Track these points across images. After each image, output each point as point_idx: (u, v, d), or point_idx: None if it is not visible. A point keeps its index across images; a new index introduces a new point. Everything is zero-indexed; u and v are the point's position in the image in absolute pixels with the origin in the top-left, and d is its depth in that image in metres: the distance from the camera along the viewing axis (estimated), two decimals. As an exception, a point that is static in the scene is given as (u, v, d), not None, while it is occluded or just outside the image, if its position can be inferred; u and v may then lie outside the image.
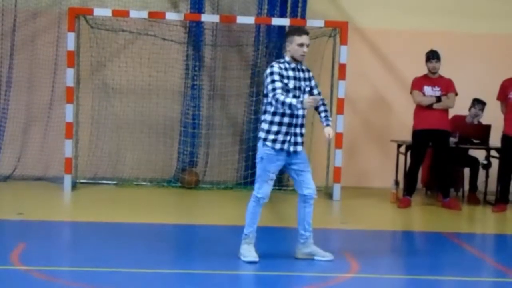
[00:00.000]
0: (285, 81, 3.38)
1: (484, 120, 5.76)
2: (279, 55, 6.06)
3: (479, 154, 5.81)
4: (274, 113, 3.41)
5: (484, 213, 5.34)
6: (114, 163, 6.16)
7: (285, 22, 5.84)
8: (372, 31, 6.34)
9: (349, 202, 5.56)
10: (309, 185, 3.50)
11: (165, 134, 6.24)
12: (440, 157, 5.31)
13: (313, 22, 5.76)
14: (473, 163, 5.76)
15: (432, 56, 5.28)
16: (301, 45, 3.39)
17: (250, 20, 5.74)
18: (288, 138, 3.41)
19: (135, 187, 5.91)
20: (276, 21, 5.80)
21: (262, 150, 3.43)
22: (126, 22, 5.97)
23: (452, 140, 5.44)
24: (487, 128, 5.61)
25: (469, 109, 5.76)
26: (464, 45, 6.35)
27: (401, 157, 5.80)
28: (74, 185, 5.63)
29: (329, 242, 4.20)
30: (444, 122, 5.29)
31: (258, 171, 3.46)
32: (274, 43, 6.12)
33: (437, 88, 5.31)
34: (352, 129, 6.24)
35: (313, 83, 3.50)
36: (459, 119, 5.75)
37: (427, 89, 5.30)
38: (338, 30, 5.74)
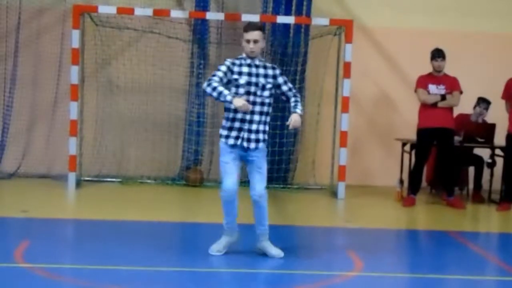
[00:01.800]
0: (235, 76, 3.36)
1: (489, 119, 5.73)
2: (284, 53, 6.06)
3: (483, 153, 5.78)
4: (227, 109, 3.42)
5: (489, 212, 5.31)
6: (118, 161, 6.17)
7: (290, 20, 5.82)
8: (377, 29, 6.32)
9: (354, 201, 5.54)
10: (254, 185, 3.42)
11: (170, 132, 6.24)
12: (444, 155, 5.29)
13: (318, 20, 5.74)
14: (478, 162, 5.74)
15: (437, 54, 5.26)
16: (248, 41, 3.37)
17: (255, 18, 5.71)
18: (241, 134, 3.39)
19: (140, 185, 5.91)
20: (281, 19, 5.79)
21: (219, 145, 3.47)
22: (131, 19, 5.97)
23: (457, 139, 5.42)
24: (492, 127, 5.58)
25: (474, 108, 5.73)
26: (469, 43, 6.31)
27: (406, 156, 5.77)
28: (78, 183, 5.64)
29: (334, 240, 4.19)
30: (448, 121, 5.27)
31: (219, 165, 3.50)
32: (279, 41, 6.11)
33: (441, 87, 5.28)
34: (357, 127, 6.21)
35: (280, 80, 3.45)
36: (463, 117, 5.72)
37: (432, 88, 5.28)
38: (343, 29, 5.72)
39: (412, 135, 5.61)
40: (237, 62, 3.42)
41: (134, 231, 4.08)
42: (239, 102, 3.29)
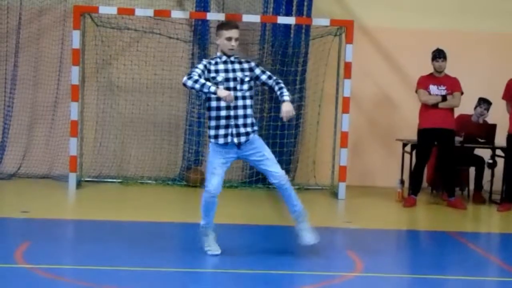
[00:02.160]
0: (213, 74, 3.37)
1: (490, 119, 5.73)
2: (284, 54, 6.06)
3: (484, 153, 5.77)
4: (209, 108, 3.42)
5: (490, 212, 5.31)
6: (119, 162, 6.17)
7: (290, 20, 5.82)
8: (377, 29, 6.31)
9: (354, 201, 5.54)
10: (272, 172, 3.39)
11: (170, 132, 6.24)
12: (445, 156, 5.28)
13: (319, 21, 5.74)
14: (478, 162, 5.73)
15: (438, 55, 5.25)
16: (229, 39, 3.37)
17: (255, 18, 5.73)
18: (230, 131, 3.38)
19: (140, 185, 5.91)
20: (282, 20, 5.79)
21: (210, 146, 3.46)
22: (131, 20, 5.98)
23: (458, 139, 5.41)
24: (493, 127, 5.57)
25: (475, 108, 5.73)
26: (470, 44, 6.31)
27: (406, 156, 5.77)
28: (79, 183, 5.64)
29: (334, 241, 4.18)
30: (449, 121, 5.27)
31: (207, 164, 3.49)
32: (279, 41, 6.11)
33: (442, 87, 5.27)
34: (357, 128, 6.21)
35: (257, 71, 3.45)
36: (464, 118, 5.72)
37: (433, 88, 5.27)
38: (344, 29, 5.72)
39: (413, 136, 5.60)
40: (213, 61, 3.44)
41: (135, 232, 4.08)
42: (223, 92, 3.27)
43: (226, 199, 5.41)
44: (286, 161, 6.09)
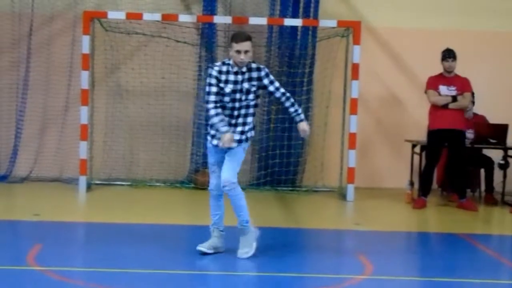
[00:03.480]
0: (221, 85, 3.43)
1: (501, 119, 5.65)
2: (291, 56, 6.06)
3: (496, 154, 5.70)
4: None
5: (502, 214, 5.25)
6: (128, 164, 6.21)
7: (297, 22, 5.82)
8: (385, 30, 6.28)
9: (363, 203, 5.51)
10: (221, 174, 3.47)
11: (178, 135, 6.27)
12: (456, 157, 5.23)
13: (326, 22, 5.73)
14: (488, 163, 5.66)
15: (448, 55, 5.21)
16: (238, 52, 3.40)
17: (262, 21, 5.74)
18: None
19: (149, 188, 5.95)
20: (289, 22, 5.79)
21: (207, 144, 3.60)
22: (139, 24, 6.03)
23: (469, 136, 5.32)
24: (504, 127, 5.50)
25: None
26: (478, 43, 6.24)
27: (416, 157, 5.72)
28: (89, 186, 5.70)
29: (343, 243, 4.17)
30: (459, 122, 5.21)
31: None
32: (286, 43, 6.11)
33: (452, 88, 5.23)
34: (366, 129, 6.18)
35: (266, 81, 3.47)
36: (477, 119, 5.65)
37: (443, 89, 5.23)
38: (351, 30, 5.70)
39: (422, 137, 5.56)
40: (224, 69, 3.46)
41: (144, 234, 4.10)
42: (224, 141, 3.38)
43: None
44: (294, 163, 6.08)
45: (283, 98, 3.52)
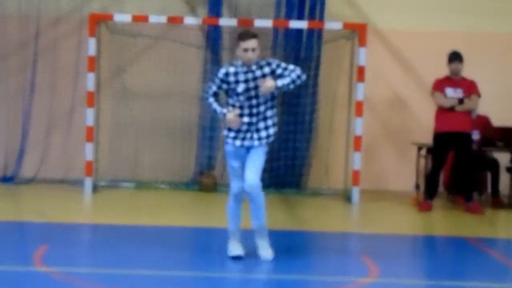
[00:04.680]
0: (233, 86, 3.43)
1: (505, 120, 5.61)
2: (297, 58, 6.05)
3: (503, 157, 5.66)
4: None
5: (508, 218, 5.21)
6: (133, 166, 6.23)
7: (303, 25, 5.82)
8: (391, 32, 6.26)
9: (368, 206, 5.49)
10: (245, 177, 3.44)
11: (183, 137, 6.28)
12: (462, 160, 5.20)
13: (332, 25, 5.73)
14: (493, 166, 5.62)
15: (455, 57, 5.18)
16: (246, 50, 3.39)
17: (268, 23, 5.74)
18: (248, 135, 3.45)
19: (154, 190, 5.96)
20: (294, 24, 5.79)
21: (225, 147, 3.54)
22: (145, 27, 6.04)
23: (473, 137, 5.28)
24: (511, 130, 5.46)
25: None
26: (485, 45, 6.20)
27: (422, 160, 5.69)
28: (95, 188, 5.72)
29: (348, 246, 4.15)
30: (466, 125, 5.18)
31: (227, 168, 3.57)
32: (291, 46, 6.11)
33: (459, 90, 5.20)
34: (371, 131, 6.16)
35: (279, 71, 3.43)
36: (481, 119, 5.62)
37: (449, 91, 5.20)
38: (357, 32, 5.69)
39: (428, 139, 5.53)
40: (232, 70, 3.45)
41: (149, 236, 4.11)
42: (229, 119, 3.38)
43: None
44: (299, 165, 6.06)
45: (288, 72, 3.43)
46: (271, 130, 3.49)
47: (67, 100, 6.24)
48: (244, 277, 3.34)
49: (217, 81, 3.46)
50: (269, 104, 3.46)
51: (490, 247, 4.18)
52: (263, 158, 3.49)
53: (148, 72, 6.19)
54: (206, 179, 6.00)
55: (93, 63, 5.66)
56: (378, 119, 6.35)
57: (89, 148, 5.68)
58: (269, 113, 3.46)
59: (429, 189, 5.32)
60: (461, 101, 5.17)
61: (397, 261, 3.70)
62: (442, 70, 5.31)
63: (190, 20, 5.81)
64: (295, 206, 5.32)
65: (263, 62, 3.48)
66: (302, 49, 6.07)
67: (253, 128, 3.43)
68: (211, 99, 3.47)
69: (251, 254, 3.57)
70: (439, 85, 5.25)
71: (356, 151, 5.62)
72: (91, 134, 5.69)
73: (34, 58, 6.15)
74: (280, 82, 3.41)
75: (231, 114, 3.38)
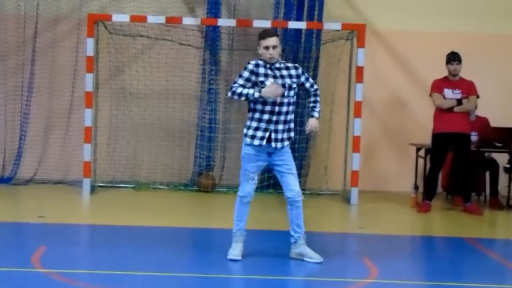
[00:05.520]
0: (261, 78, 3.42)
1: (504, 121, 5.62)
2: (295, 58, 6.05)
3: (501, 158, 5.66)
4: (254, 110, 3.46)
5: (507, 218, 5.22)
6: (131, 167, 6.22)
7: (301, 25, 5.82)
8: (389, 33, 6.27)
9: (367, 207, 5.49)
10: (291, 187, 3.48)
11: (182, 138, 6.27)
12: (461, 161, 5.21)
13: (330, 25, 5.74)
14: (492, 166, 5.63)
15: (453, 58, 5.19)
16: (267, 48, 3.42)
17: (266, 24, 5.74)
18: (267, 134, 3.42)
19: (152, 190, 5.95)
20: (293, 25, 5.79)
21: (243, 148, 3.49)
22: (143, 27, 6.04)
23: (472, 138, 5.28)
24: (510, 131, 5.48)
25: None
26: (483, 46, 6.22)
27: (420, 161, 5.70)
28: (93, 189, 5.70)
29: (347, 247, 4.15)
30: (465, 125, 5.19)
31: (241, 169, 3.53)
32: (290, 46, 6.11)
33: (457, 91, 5.21)
34: (370, 132, 6.17)
35: (302, 78, 3.52)
36: (480, 120, 5.63)
37: (447, 92, 5.21)
38: (355, 33, 5.70)
39: (426, 140, 5.54)
40: (261, 63, 3.47)
41: (148, 236, 4.10)
42: (268, 90, 3.32)
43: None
44: (298, 166, 6.02)
45: (312, 92, 3.55)
46: (289, 134, 3.48)
47: (66, 100, 6.22)
48: (242, 278, 3.34)
49: (246, 73, 3.42)
50: (290, 108, 3.47)
51: (488, 247, 4.18)
52: (293, 162, 3.51)
53: (146, 72, 6.18)
54: (204, 180, 6.00)
55: (91, 64, 5.65)
56: (377, 119, 6.35)
57: (87, 148, 5.66)
58: (289, 116, 3.47)
59: (427, 190, 5.32)
60: (459, 102, 5.18)
61: (397, 261, 3.69)
62: (441, 70, 5.32)
63: (188, 21, 5.81)
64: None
65: (290, 64, 3.55)
66: (300, 49, 6.08)
67: (271, 127, 3.41)
68: (240, 89, 3.38)
69: (248, 255, 3.56)
70: (438, 86, 5.26)
71: (355, 151, 5.63)
72: (89, 135, 5.68)
73: (32, 58, 6.13)
74: (316, 114, 3.56)
75: (265, 90, 3.30)
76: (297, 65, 3.58)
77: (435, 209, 5.34)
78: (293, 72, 3.50)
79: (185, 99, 6.24)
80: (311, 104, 3.56)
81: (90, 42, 5.60)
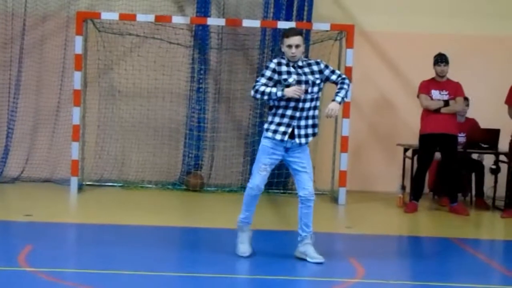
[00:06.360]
0: (284, 76, 3.43)
1: (492, 123, 5.71)
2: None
3: (487, 159, 5.75)
4: (277, 106, 3.47)
5: (493, 219, 5.28)
6: (119, 166, 6.18)
7: (291, 25, 5.81)
8: (378, 34, 6.32)
9: (355, 206, 5.53)
10: (304, 185, 3.49)
11: (171, 137, 6.25)
12: (447, 161, 5.27)
13: (319, 26, 5.76)
14: (478, 167, 5.70)
15: (440, 59, 5.24)
16: (290, 46, 3.44)
17: (255, 23, 5.75)
18: (289, 130, 3.44)
19: (141, 189, 5.92)
20: (282, 25, 5.79)
21: (262, 140, 3.51)
22: (133, 25, 6.01)
23: (460, 140, 5.34)
24: (496, 132, 5.55)
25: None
26: (472, 47, 6.28)
27: (408, 161, 5.76)
28: (81, 187, 5.66)
29: (334, 247, 4.18)
30: (452, 127, 5.24)
31: (255, 162, 3.55)
32: (279, 46, 6.11)
33: (444, 92, 5.26)
34: (358, 132, 6.21)
35: (327, 72, 3.52)
36: (470, 122, 5.70)
37: (435, 93, 5.26)
38: (344, 34, 5.73)
39: (414, 141, 5.59)
40: (284, 61, 3.47)
41: (136, 235, 4.09)
42: (291, 91, 3.34)
43: (226, 203, 5.42)
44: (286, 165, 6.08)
45: (340, 81, 3.53)
46: (314, 130, 3.48)
47: (53, 98, 6.17)
48: (230, 277, 3.34)
49: (268, 72, 3.42)
50: (314, 104, 3.46)
51: (474, 247, 4.23)
52: (311, 161, 3.51)
53: (135, 71, 6.15)
54: (193, 179, 5.99)
55: (80, 62, 5.61)
56: (365, 120, 6.40)
57: (75, 147, 5.62)
58: (311, 112, 3.46)
59: (414, 190, 5.37)
60: (446, 103, 5.23)
61: (383, 261, 3.73)
62: (429, 72, 5.37)
63: (178, 19, 5.79)
64: (281, 206, 5.34)
65: (311, 61, 3.54)
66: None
67: (294, 123, 3.41)
68: (263, 87, 3.38)
69: (237, 255, 3.56)
70: (425, 87, 5.30)
71: (343, 152, 5.66)
72: (77, 133, 5.63)
73: (20, 55, 6.06)
74: (339, 98, 3.47)
75: (289, 90, 3.31)
76: (319, 60, 3.56)
77: (422, 209, 5.39)
78: (315, 68, 3.49)
79: (174, 98, 6.22)
80: (337, 89, 3.51)
81: (79, 40, 5.56)
